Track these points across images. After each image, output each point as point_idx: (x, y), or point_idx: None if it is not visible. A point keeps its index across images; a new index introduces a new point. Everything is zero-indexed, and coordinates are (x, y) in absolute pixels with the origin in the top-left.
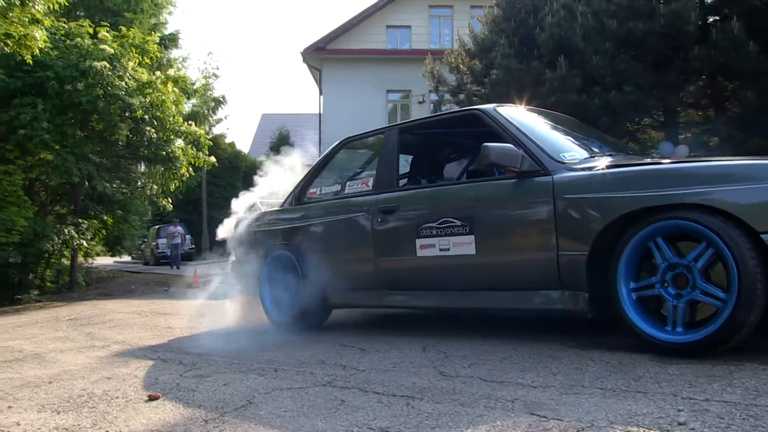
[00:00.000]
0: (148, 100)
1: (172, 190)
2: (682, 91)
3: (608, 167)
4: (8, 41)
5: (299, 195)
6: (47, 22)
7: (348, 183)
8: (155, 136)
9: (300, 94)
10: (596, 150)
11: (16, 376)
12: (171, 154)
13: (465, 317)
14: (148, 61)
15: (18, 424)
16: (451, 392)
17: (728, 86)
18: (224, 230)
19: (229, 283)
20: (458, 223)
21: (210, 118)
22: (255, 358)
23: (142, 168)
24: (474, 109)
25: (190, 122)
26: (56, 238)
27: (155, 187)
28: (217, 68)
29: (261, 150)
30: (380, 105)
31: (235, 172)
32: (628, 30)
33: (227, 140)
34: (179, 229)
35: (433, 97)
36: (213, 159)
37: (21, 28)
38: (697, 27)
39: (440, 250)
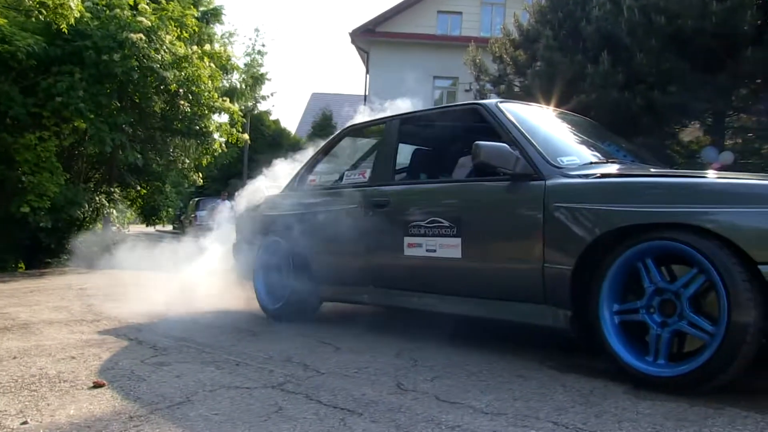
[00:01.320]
0: (183, 74)
1: (204, 165)
2: (732, 95)
3: (604, 176)
4: (42, 10)
5: (299, 182)
6: None
7: (346, 173)
8: (189, 110)
9: (350, 75)
10: (607, 157)
11: None
12: (204, 129)
13: (467, 323)
14: (186, 35)
15: None
16: (396, 409)
17: None
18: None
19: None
20: (446, 223)
21: (251, 95)
22: (227, 348)
23: (177, 141)
24: (474, 103)
25: (225, 99)
26: (87, 206)
27: (187, 161)
28: (263, 45)
29: (308, 129)
30: (427, 91)
31: (278, 149)
32: (676, 27)
33: (272, 117)
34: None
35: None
36: (246, 136)
37: None
38: (752, 27)
39: (427, 250)
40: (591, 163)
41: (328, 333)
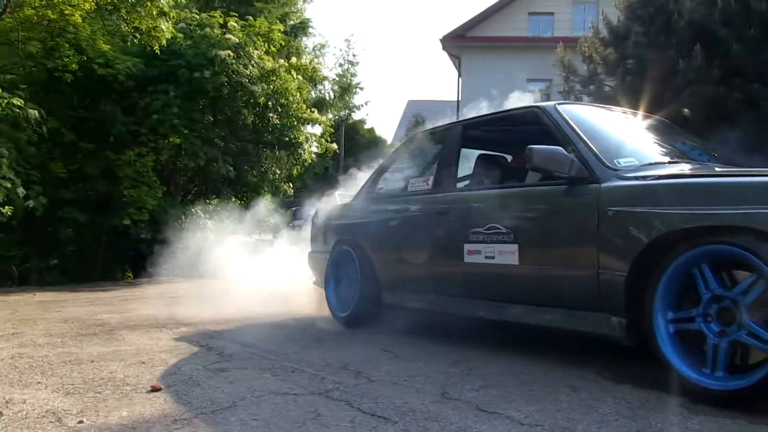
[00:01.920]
0: (271, 88)
1: (295, 175)
2: None
3: (661, 177)
4: (137, 34)
5: (367, 190)
6: (175, 14)
7: (411, 180)
8: (278, 122)
9: (446, 81)
10: (675, 157)
11: (75, 351)
12: (294, 140)
13: (535, 330)
14: (274, 49)
15: (24, 402)
16: (432, 419)
17: None
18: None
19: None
20: (504, 230)
21: (341, 105)
22: (290, 355)
23: (268, 153)
24: (533, 106)
25: (313, 109)
26: (184, 218)
27: (278, 171)
28: (354, 56)
29: (404, 136)
30: (521, 94)
31: (373, 157)
32: None
33: (367, 126)
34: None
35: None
36: (334, 146)
37: (150, 21)
38: None
39: (486, 257)
40: (650, 164)
41: (392, 340)
